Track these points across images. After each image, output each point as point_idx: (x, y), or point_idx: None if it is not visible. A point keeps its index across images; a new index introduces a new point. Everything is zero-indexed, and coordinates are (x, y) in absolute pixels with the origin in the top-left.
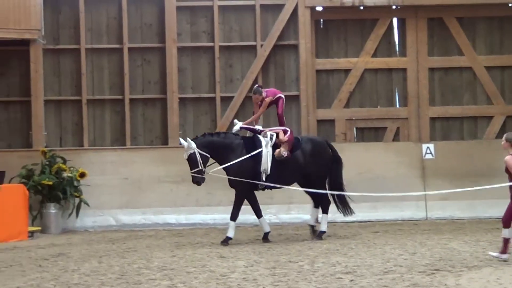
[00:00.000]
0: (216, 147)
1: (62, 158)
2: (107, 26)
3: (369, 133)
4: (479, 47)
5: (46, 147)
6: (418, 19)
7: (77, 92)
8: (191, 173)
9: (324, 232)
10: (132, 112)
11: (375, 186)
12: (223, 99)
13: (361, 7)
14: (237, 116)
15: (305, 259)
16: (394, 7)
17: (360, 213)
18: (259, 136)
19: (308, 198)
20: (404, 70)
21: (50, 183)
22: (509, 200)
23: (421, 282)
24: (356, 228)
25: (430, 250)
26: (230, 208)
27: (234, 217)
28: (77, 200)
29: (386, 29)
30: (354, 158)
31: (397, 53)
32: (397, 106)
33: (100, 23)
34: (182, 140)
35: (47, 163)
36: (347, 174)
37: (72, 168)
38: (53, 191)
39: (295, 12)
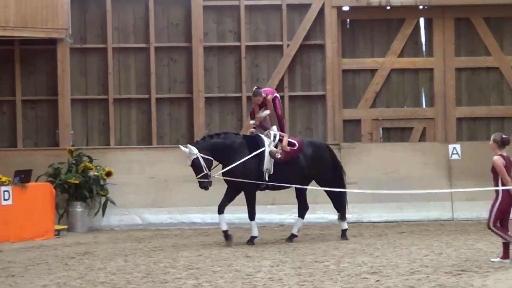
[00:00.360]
0: (219, 149)
1: (88, 157)
2: (134, 25)
3: (395, 134)
4: (506, 47)
5: (72, 146)
6: (445, 19)
7: (103, 91)
8: (197, 178)
9: (346, 229)
10: (159, 111)
11: (401, 187)
12: (249, 98)
13: (388, 7)
14: None
15: (330, 259)
16: (421, 7)
17: (386, 213)
18: (261, 135)
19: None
20: (430, 70)
21: (77, 181)
22: None
23: (447, 282)
24: (382, 229)
25: (456, 251)
26: (257, 208)
27: (252, 216)
28: (103, 199)
29: (412, 29)
30: (380, 158)
31: (424, 53)
32: (424, 106)
33: (127, 23)
34: (182, 148)
35: (74, 161)
36: (374, 174)
37: (98, 167)
38: (80, 190)
39: (321, 11)
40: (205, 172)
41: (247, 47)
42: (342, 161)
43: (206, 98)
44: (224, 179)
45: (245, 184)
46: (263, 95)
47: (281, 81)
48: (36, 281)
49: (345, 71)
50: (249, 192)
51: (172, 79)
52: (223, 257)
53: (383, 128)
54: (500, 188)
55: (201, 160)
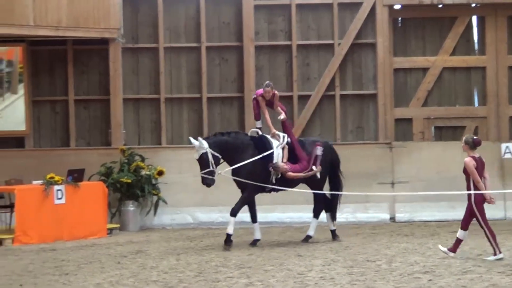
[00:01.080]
0: (228, 148)
1: (140, 156)
2: (185, 25)
3: (447, 132)
4: None
5: (124, 145)
6: (498, 17)
7: (155, 91)
8: (202, 174)
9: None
10: (210, 110)
11: (454, 185)
12: (300, 97)
13: (440, 5)
14: (314, 115)
15: (382, 258)
16: (473, 5)
17: (438, 212)
18: (267, 136)
19: (385, 197)
20: (483, 68)
21: (129, 181)
22: None
23: (501, 282)
24: (434, 228)
25: (509, 251)
26: (305, 207)
27: (235, 212)
28: (155, 198)
29: (465, 27)
30: (432, 157)
31: (476, 51)
32: (476, 105)
33: (178, 22)
34: (192, 140)
35: (126, 161)
36: (425, 173)
37: (150, 166)
38: (132, 189)
39: (373, 10)
40: (211, 168)
41: (298, 46)
42: (393, 160)
43: None
44: (233, 179)
45: (250, 185)
46: (274, 90)
47: (332, 80)
48: (89, 279)
49: (396, 70)
50: (249, 192)
51: (223, 78)
52: (274, 256)
53: (435, 127)
54: (473, 192)
55: (210, 156)
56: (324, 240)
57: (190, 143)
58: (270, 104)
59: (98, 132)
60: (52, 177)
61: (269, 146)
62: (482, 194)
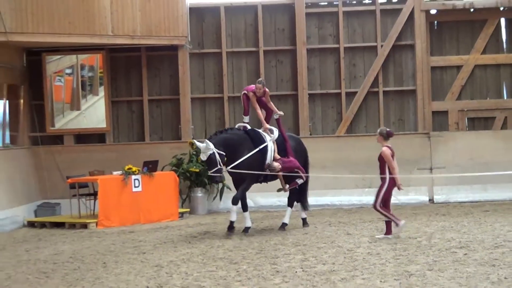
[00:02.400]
0: (230, 144)
1: None
2: (245, 31)
3: (479, 123)
4: None
5: (193, 139)
6: None
7: (219, 90)
8: (211, 173)
9: (287, 224)
10: None
11: (485, 170)
12: (348, 94)
13: (472, 9)
14: (360, 109)
15: (422, 236)
16: (501, 8)
17: (472, 194)
18: (259, 130)
19: (424, 181)
20: (511, 65)
21: (197, 170)
22: None
23: None
24: (468, 208)
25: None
26: (353, 191)
27: (236, 201)
28: (220, 185)
29: (494, 28)
30: (466, 145)
31: (505, 50)
32: (505, 98)
33: (238, 29)
34: (198, 143)
35: (194, 153)
36: (460, 159)
37: None
38: (200, 177)
39: (411, 15)
40: (219, 167)
41: (345, 48)
42: (431, 148)
43: (310, 94)
44: (230, 172)
45: (249, 176)
46: (265, 87)
47: (376, 77)
48: (163, 257)
49: (433, 68)
50: (249, 183)
51: (279, 78)
52: (327, 235)
53: (468, 118)
54: (388, 176)
55: (216, 155)
56: (371, 220)
57: None
58: (260, 100)
59: (169, 128)
60: (130, 168)
61: (263, 140)
62: (394, 180)
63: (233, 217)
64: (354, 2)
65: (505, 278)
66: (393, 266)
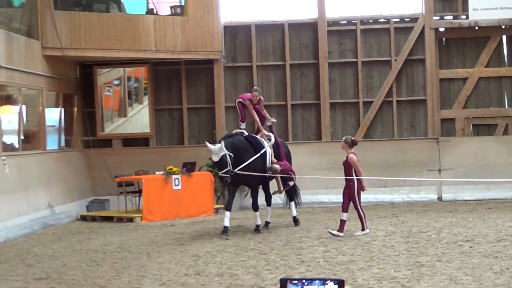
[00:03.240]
0: (237, 148)
1: None
2: (273, 47)
3: (483, 129)
4: None
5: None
6: None
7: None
8: (221, 173)
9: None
10: (293, 114)
11: (489, 171)
12: (365, 103)
13: (476, 27)
14: (376, 116)
15: (432, 230)
16: (503, 26)
17: (476, 193)
18: (257, 136)
19: (433, 181)
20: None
21: None
22: None
23: None
24: (473, 205)
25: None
26: (371, 190)
27: (257, 208)
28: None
29: (496, 44)
30: (471, 149)
31: (506, 63)
32: (506, 106)
33: (267, 45)
34: (209, 145)
35: None
36: (466, 162)
37: None
38: None
39: (422, 32)
40: (229, 168)
41: (363, 62)
42: (440, 152)
43: (331, 103)
44: (237, 174)
45: (254, 180)
46: (260, 95)
47: (390, 88)
48: (200, 248)
49: (441, 80)
50: (255, 187)
51: (304, 89)
52: (346, 229)
53: (473, 125)
54: (355, 178)
55: (227, 157)
56: (385, 216)
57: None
58: (254, 107)
59: (205, 133)
60: (170, 169)
61: (262, 145)
62: (361, 183)
63: (227, 223)
64: (371, 21)
65: (507, 268)
66: (406, 257)
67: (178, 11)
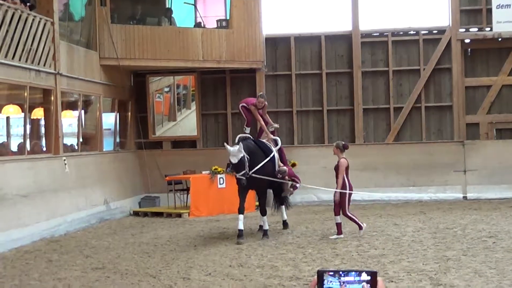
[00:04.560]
0: (251, 151)
1: None
2: (310, 57)
3: (506, 133)
4: None
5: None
6: None
7: (289, 105)
8: (239, 176)
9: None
10: (329, 119)
11: (511, 173)
12: (395, 109)
13: (499, 39)
14: (405, 121)
15: (458, 227)
16: None
17: (499, 192)
18: (264, 141)
19: (459, 181)
20: None
21: None
22: None
23: None
24: (496, 204)
25: None
26: (401, 189)
27: (265, 212)
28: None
29: None
30: (494, 152)
31: None
32: None
33: (305, 56)
34: (228, 146)
35: None
36: (489, 164)
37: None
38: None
39: (449, 43)
40: (246, 170)
41: (394, 71)
42: (465, 154)
43: (364, 109)
44: (250, 177)
45: (265, 184)
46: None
47: (419, 95)
48: (243, 241)
49: (467, 87)
50: (265, 191)
51: (339, 96)
52: (377, 225)
53: (496, 129)
54: (348, 184)
55: (246, 159)
56: (414, 213)
57: (315, 143)
58: (258, 113)
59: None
60: (216, 169)
61: (271, 149)
62: (351, 188)
63: (241, 226)
64: (401, 33)
65: None
66: (433, 252)
67: (224, 24)
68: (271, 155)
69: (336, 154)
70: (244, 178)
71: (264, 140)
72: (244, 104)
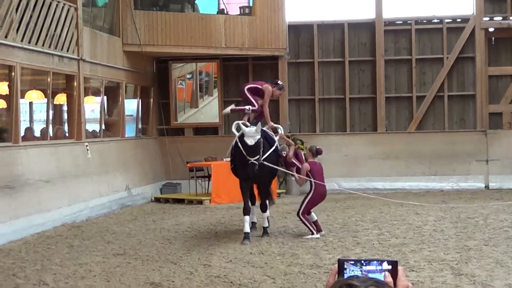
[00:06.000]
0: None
1: (300, 140)
2: (333, 45)
3: None
4: None
5: (289, 132)
6: None
7: (311, 93)
8: (253, 160)
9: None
10: (351, 107)
11: None
12: (418, 97)
13: None
14: (428, 110)
15: (479, 216)
16: None
17: None
18: (265, 129)
19: (481, 170)
20: None
21: None
22: None
23: None
24: None
25: None
26: (422, 178)
27: (266, 208)
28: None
29: None
30: None
31: None
32: None
33: (328, 43)
34: (243, 127)
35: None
36: None
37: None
38: None
39: (472, 32)
40: (259, 155)
41: (417, 59)
42: (487, 144)
43: (386, 97)
44: (260, 167)
45: (269, 176)
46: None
47: (442, 84)
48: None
49: (490, 76)
50: (268, 184)
51: (361, 84)
52: (399, 214)
53: None
54: (313, 186)
55: (261, 143)
56: (436, 202)
57: (336, 131)
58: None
59: None
60: None
61: (274, 139)
62: (319, 190)
63: (247, 229)
64: (425, 21)
65: None
66: (455, 241)
67: (247, 11)
68: (275, 146)
69: (307, 157)
70: (257, 164)
71: (265, 128)
72: (256, 85)
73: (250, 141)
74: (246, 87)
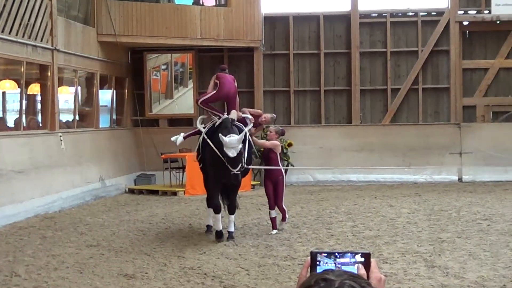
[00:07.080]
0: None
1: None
2: (309, 37)
3: (502, 116)
4: None
5: (274, 124)
6: None
7: (286, 85)
8: (237, 171)
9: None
10: (326, 99)
11: (506, 155)
12: (392, 90)
13: (498, 21)
14: (402, 103)
15: (452, 209)
16: None
17: (494, 175)
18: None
19: (454, 163)
20: None
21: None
22: None
23: None
24: (491, 186)
25: None
26: (396, 170)
27: (234, 210)
28: (285, 163)
29: None
30: (490, 134)
31: None
32: None
33: (303, 35)
34: (223, 137)
35: (265, 136)
36: (485, 146)
37: (282, 139)
38: None
39: (447, 26)
40: (242, 163)
41: (392, 52)
42: (461, 136)
43: (361, 90)
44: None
45: (245, 175)
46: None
47: (416, 77)
48: (238, 220)
49: (464, 70)
50: (239, 184)
51: (336, 76)
52: (373, 206)
53: (492, 112)
54: (283, 170)
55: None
56: (409, 195)
57: (311, 123)
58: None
59: None
60: None
61: (243, 129)
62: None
63: (219, 227)
64: (400, 14)
65: None
66: (428, 233)
67: (222, 2)
68: (247, 141)
69: (270, 138)
70: (239, 173)
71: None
72: (208, 95)
73: (232, 153)
74: (200, 100)
